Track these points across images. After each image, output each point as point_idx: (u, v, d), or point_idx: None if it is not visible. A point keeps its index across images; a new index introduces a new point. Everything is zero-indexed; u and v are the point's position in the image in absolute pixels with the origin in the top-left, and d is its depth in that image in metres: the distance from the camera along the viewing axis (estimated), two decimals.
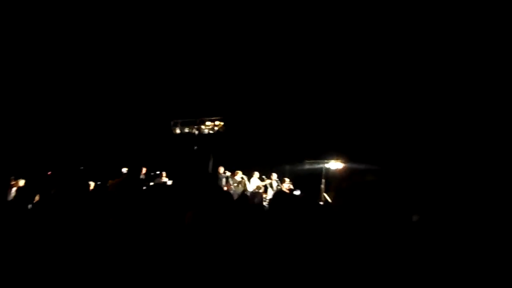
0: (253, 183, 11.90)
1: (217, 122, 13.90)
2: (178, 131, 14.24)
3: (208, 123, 13.95)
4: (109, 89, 12.33)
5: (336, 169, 12.97)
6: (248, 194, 10.80)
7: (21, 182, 6.81)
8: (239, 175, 11.49)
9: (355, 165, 12.10)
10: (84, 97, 11.54)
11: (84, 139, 12.84)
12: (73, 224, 2.68)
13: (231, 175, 11.35)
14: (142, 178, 11.44)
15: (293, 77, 11.34)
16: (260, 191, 12.02)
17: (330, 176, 12.91)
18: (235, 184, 11.09)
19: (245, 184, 11.28)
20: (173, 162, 14.38)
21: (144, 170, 11.92)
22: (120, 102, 13.22)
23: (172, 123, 14.18)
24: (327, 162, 12.96)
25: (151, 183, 11.85)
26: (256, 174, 12.06)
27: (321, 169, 13.12)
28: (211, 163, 14.39)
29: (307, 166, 14.36)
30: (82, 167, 11.07)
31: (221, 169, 11.63)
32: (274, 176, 12.21)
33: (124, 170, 11.18)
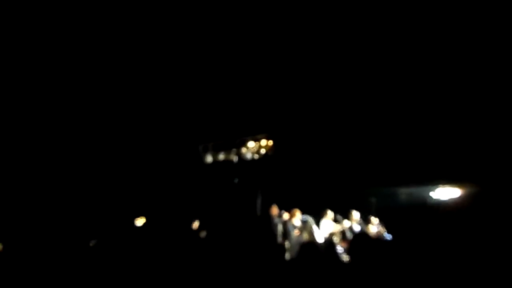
0: (324, 228, 12.25)
1: (263, 142, 14.52)
2: (210, 159, 15.19)
3: (250, 144, 14.63)
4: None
5: (448, 199, 13.15)
6: (319, 242, 11.18)
7: None
8: (298, 217, 11.91)
9: (479, 190, 12.29)
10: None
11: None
12: None
13: (289, 217, 11.79)
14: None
15: (363, 73, 11.92)
16: (335, 239, 12.28)
17: (440, 211, 13.13)
18: (295, 231, 11.50)
19: (311, 230, 11.64)
20: (205, 204, 15.22)
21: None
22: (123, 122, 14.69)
23: (201, 148, 15.28)
24: (433, 189, 13.25)
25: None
26: (329, 214, 12.42)
27: (423, 199, 13.22)
28: (259, 202, 14.95)
29: (402, 197, 14.37)
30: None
31: (275, 210, 12.13)
32: (356, 215, 12.45)
33: (140, 222, 12.06)
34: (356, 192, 14.67)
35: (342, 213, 12.94)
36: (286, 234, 11.50)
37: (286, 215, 11.68)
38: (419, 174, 13.76)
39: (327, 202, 13.70)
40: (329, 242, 11.47)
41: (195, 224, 13.10)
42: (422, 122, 12.98)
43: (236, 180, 14.64)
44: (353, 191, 14.70)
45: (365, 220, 12.60)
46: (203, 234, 12.18)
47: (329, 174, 15.01)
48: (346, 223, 12.47)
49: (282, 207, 12.01)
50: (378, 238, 11.26)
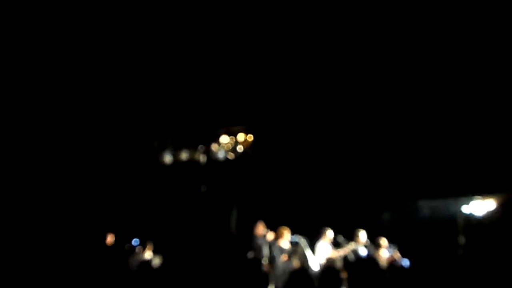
0: (321, 252, 12.48)
1: (240, 136, 14.63)
2: (168, 158, 15.26)
3: (223, 139, 14.74)
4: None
5: (486, 214, 13.41)
6: (313, 270, 11.42)
7: None
8: (287, 238, 12.11)
9: None
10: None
11: None
12: None
13: (274, 238, 11.99)
14: (108, 252, 12.42)
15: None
16: (335, 266, 12.46)
17: (477, 230, 13.33)
18: (283, 256, 11.70)
19: (303, 254, 11.86)
20: (164, 221, 15.32)
21: (110, 238, 12.91)
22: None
23: (156, 144, 15.36)
24: (466, 203, 13.50)
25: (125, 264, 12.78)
26: (328, 235, 12.62)
27: (453, 215, 13.61)
28: (234, 217, 15.10)
29: (424, 212, 14.71)
30: None
31: (261, 228, 12.33)
32: (362, 236, 12.77)
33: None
34: (363, 206, 14.94)
35: (345, 234, 13.21)
36: (270, 259, 11.68)
37: (270, 235, 11.83)
38: (447, 182, 14.10)
39: (326, 219, 13.93)
40: (326, 270, 11.76)
41: (147, 250, 13.27)
42: (448, 117, 13.42)
43: (203, 188, 14.76)
44: (360, 205, 14.98)
45: (375, 242, 12.89)
46: (156, 261, 12.33)
47: (329, 181, 15.22)
48: (350, 247, 12.73)
49: (266, 225, 12.19)
50: (392, 265, 11.58)
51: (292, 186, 15.16)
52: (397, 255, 12.79)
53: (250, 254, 11.51)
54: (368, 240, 12.98)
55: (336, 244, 12.99)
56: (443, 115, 13.15)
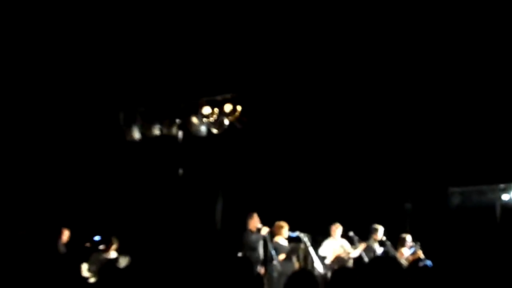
0: (328, 250, 12.45)
1: (226, 107, 14.46)
2: (137, 134, 15.04)
3: (206, 110, 14.62)
4: None
5: None
6: (318, 272, 11.34)
7: None
8: (285, 234, 12.06)
9: None
10: None
11: None
12: None
13: (268, 233, 11.94)
14: (62, 251, 12.30)
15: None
16: (349, 264, 12.45)
17: None
18: (281, 255, 11.67)
19: (305, 253, 11.82)
20: (132, 213, 15.23)
21: (66, 234, 12.82)
22: None
23: (122, 117, 15.03)
24: (503, 189, 13.78)
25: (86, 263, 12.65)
26: (337, 229, 12.68)
27: (490, 204, 13.62)
28: (220, 208, 15.04)
29: (454, 201, 14.73)
30: None
31: (255, 222, 12.28)
32: (380, 231, 12.91)
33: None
34: (381, 196, 14.90)
35: (359, 229, 13.19)
36: (265, 259, 11.64)
37: (265, 230, 11.80)
38: (483, 165, 14.09)
39: (334, 211, 13.90)
40: (334, 273, 11.71)
41: (112, 248, 13.23)
42: (485, 103, 13.73)
43: (181, 171, 14.73)
44: (377, 194, 14.93)
45: (394, 239, 12.86)
46: (122, 262, 12.30)
47: (336, 163, 15.15)
48: (363, 245, 12.71)
49: (260, 218, 12.13)
50: (413, 266, 11.55)
51: (290, 170, 15.08)
52: (419, 253, 12.79)
53: (241, 254, 11.46)
54: (386, 240, 12.97)
55: (348, 242, 12.97)
56: (480, 101, 13.42)
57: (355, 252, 12.72)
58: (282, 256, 11.59)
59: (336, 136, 15.08)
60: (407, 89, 13.71)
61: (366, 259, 12.25)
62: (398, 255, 12.87)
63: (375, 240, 13.06)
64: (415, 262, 12.28)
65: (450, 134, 14.25)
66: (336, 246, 12.87)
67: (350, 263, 12.58)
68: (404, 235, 13.38)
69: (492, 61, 12.29)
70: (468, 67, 12.60)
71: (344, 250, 12.72)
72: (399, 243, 13.28)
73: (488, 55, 12.15)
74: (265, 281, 11.32)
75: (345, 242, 13.01)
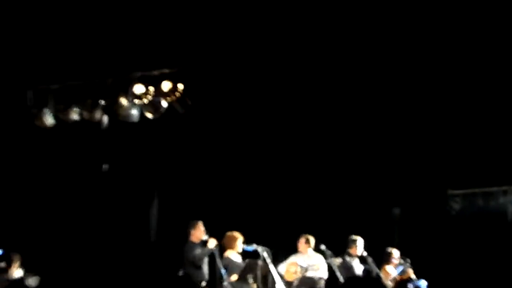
0: (291, 268, 12.77)
1: (164, 85, 14.66)
2: (50, 119, 15.03)
3: (138, 88, 14.76)
4: None
5: None
6: None
7: None
8: (238, 247, 12.34)
9: None
10: None
11: None
12: None
13: (216, 245, 12.19)
14: None
15: None
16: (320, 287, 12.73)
17: None
18: (233, 275, 11.94)
19: (264, 271, 12.11)
20: (43, 220, 15.29)
21: None
22: None
23: (31, 96, 15.02)
24: None
25: None
26: (303, 244, 13.04)
27: (500, 211, 14.15)
28: (155, 213, 15.24)
29: (455, 207, 15.17)
30: None
31: (199, 232, 12.63)
32: (359, 244, 13.41)
33: None
34: (362, 199, 15.26)
35: (333, 242, 13.53)
36: (213, 280, 11.88)
37: (212, 243, 12.06)
38: (491, 163, 14.54)
39: (302, 219, 14.21)
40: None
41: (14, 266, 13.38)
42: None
43: (105, 167, 14.90)
44: (356, 197, 15.29)
45: (378, 254, 13.21)
46: (33, 281, 12.49)
47: (307, 159, 15.44)
48: (337, 260, 13.05)
49: (206, 227, 12.38)
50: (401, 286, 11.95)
51: (246, 166, 15.33)
52: (409, 271, 13.17)
53: (181, 272, 11.69)
54: (366, 252, 13.31)
55: (322, 258, 13.28)
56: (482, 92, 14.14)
57: (322, 271, 13.04)
58: (234, 277, 11.80)
59: (306, 123, 15.26)
60: (392, 81, 14.36)
61: (341, 280, 12.54)
62: (382, 274, 13.14)
63: (353, 255, 13.34)
64: (403, 283, 12.61)
65: (449, 126, 14.59)
66: (304, 262, 13.16)
67: (321, 286, 12.88)
68: (390, 249, 13.63)
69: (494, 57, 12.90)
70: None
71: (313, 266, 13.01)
72: (384, 259, 13.58)
73: (491, 54, 12.81)
74: None
75: (318, 259, 13.28)
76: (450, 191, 15.81)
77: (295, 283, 12.89)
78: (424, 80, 14.27)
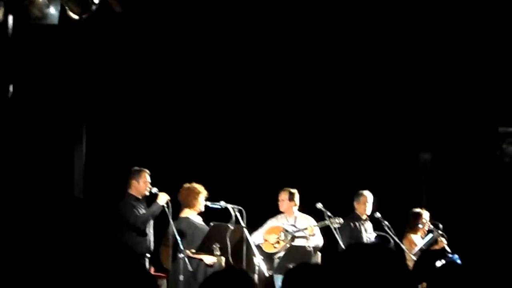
0: (273, 232, 12.84)
1: None
2: None
3: None
4: None
5: None
6: (261, 271, 11.75)
7: None
8: (200, 205, 12.38)
9: None
10: None
11: None
12: None
13: (168, 203, 12.22)
14: None
15: None
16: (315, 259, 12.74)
17: None
18: (192, 239, 11.98)
19: (237, 239, 12.12)
20: None
21: None
22: None
23: None
24: None
25: None
26: (289, 199, 13.14)
27: None
28: (80, 157, 15.18)
29: (509, 150, 15.21)
30: None
31: (145, 183, 12.86)
32: (368, 201, 13.45)
33: None
34: (375, 139, 15.34)
35: (333, 199, 13.62)
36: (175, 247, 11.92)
37: (163, 198, 12.11)
38: None
39: (287, 168, 14.30)
40: (287, 274, 11.96)
41: None
42: None
43: (11, 89, 14.79)
44: (368, 136, 15.37)
45: (399, 217, 13.28)
46: None
47: (297, 87, 15.57)
48: (337, 221, 13.12)
49: (154, 176, 12.37)
50: (428, 264, 11.94)
51: (211, 90, 15.41)
52: (442, 244, 13.21)
53: (117, 238, 11.69)
54: (379, 214, 13.41)
55: (309, 218, 13.39)
56: None
57: (316, 238, 13.06)
58: (194, 246, 11.82)
59: (295, 41, 15.36)
60: None
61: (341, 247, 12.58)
62: (405, 244, 13.17)
63: (361, 216, 13.35)
64: (431, 256, 12.58)
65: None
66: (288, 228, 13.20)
67: (317, 257, 12.90)
68: (417, 209, 13.65)
69: None
70: None
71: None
72: (408, 224, 13.58)
73: None
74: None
75: (309, 221, 13.29)
76: (502, 129, 15.36)
77: (279, 255, 12.83)
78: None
